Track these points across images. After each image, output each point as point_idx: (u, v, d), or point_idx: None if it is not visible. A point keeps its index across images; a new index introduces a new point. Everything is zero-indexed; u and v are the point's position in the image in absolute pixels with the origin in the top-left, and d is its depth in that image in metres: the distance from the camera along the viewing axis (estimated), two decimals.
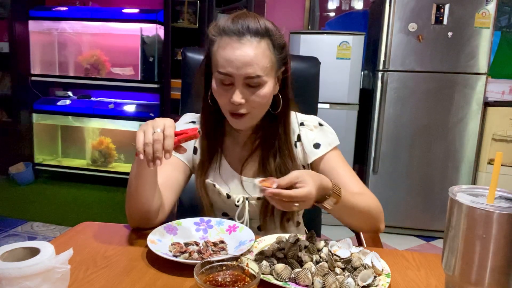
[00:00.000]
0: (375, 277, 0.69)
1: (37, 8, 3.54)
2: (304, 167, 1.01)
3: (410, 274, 0.76)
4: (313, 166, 1.00)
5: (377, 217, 0.93)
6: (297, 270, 0.69)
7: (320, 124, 1.03)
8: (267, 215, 0.99)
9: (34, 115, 3.62)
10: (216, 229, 0.91)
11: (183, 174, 1.02)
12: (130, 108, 3.49)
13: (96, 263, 0.75)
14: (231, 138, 1.03)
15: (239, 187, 1.01)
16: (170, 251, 0.80)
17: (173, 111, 3.29)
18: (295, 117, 1.03)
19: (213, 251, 0.81)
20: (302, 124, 1.03)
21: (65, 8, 3.50)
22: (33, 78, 3.56)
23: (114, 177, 3.48)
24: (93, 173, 3.55)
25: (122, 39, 3.53)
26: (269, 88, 0.90)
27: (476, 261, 0.55)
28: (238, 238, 0.86)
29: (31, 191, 3.38)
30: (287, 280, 0.68)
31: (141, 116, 3.43)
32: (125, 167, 3.59)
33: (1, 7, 3.53)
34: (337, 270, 0.70)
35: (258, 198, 0.99)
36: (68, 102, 3.58)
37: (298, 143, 1.01)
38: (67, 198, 3.24)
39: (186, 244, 0.83)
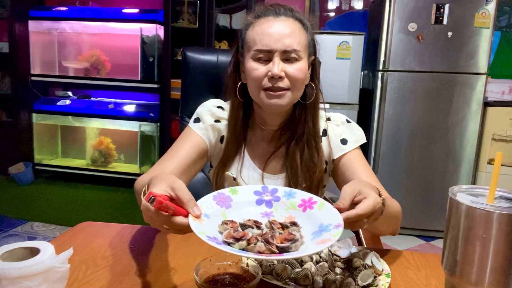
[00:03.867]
0: (375, 277, 0.69)
1: (37, 8, 3.54)
2: (326, 163, 1.00)
3: (410, 274, 0.76)
4: (336, 162, 0.98)
5: (400, 220, 0.90)
6: (297, 270, 0.69)
7: (348, 121, 1.02)
8: None
9: (34, 115, 3.62)
10: (284, 202, 0.68)
11: (202, 159, 0.99)
12: (130, 108, 3.49)
13: (96, 263, 0.75)
14: (256, 134, 1.02)
15: (260, 184, 0.98)
16: (221, 233, 0.59)
17: (173, 111, 3.29)
18: (323, 113, 1.02)
19: (279, 245, 0.56)
20: (328, 119, 1.01)
21: (65, 8, 3.50)
22: (33, 78, 3.56)
23: (114, 177, 3.48)
24: (93, 173, 3.55)
25: (122, 39, 3.53)
26: (304, 64, 0.91)
27: (476, 261, 0.55)
28: (316, 220, 0.62)
29: (31, 191, 3.38)
30: (287, 280, 0.68)
31: (141, 116, 3.43)
32: (125, 167, 3.59)
33: (1, 7, 3.53)
34: (337, 270, 0.70)
35: None
36: (68, 102, 3.58)
37: (323, 138, 0.99)
38: (67, 198, 3.24)
39: (243, 226, 0.61)
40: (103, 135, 3.65)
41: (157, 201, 0.56)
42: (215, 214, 0.62)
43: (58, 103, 3.57)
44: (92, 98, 3.77)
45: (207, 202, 0.64)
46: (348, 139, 0.98)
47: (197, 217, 0.58)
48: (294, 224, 0.62)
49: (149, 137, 3.52)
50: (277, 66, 0.87)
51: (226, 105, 1.03)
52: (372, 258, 0.73)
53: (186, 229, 0.58)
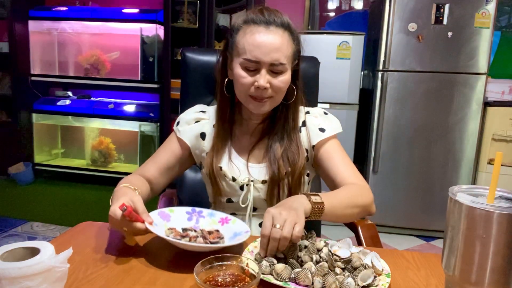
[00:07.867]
0: (375, 277, 0.69)
1: (37, 8, 3.54)
2: (307, 151, 1.05)
3: (410, 274, 0.76)
4: (316, 148, 1.05)
5: (366, 205, 0.94)
6: (297, 270, 0.69)
7: (325, 113, 1.10)
8: (273, 199, 1.01)
9: (34, 115, 3.63)
10: (208, 219, 0.92)
11: (180, 163, 1.08)
12: (130, 108, 3.49)
13: (96, 263, 0.75)
14: (240, 127, 1.08)
15: (245, 172, 1.04)
16: (168, 236, 0.79)
17: (173, 111, 3.29)
18: (302, 108, 1.09)
19: (211, 242, 0.80)
20: (308, 112, 1.09)
21: (65, 8, 3.50)
22: (33, 78, 3.56)
23: (114, 177, 3.47)
24: (93, 173, 3.55)
25: (122, 39, 3.53)
26: (288, 75, 0.97)
27: (476, 261, 0.55)
28: (232, 230, 0.87)
29: (31, 191, 3.38)
30: (287, 280, 0.68)
31: (141, 116, 3.43)
32: (125, 167, 3.59)
33: (1, 7, 3.53)
34: (337, 270, 0.70)
35: (263, 181, 1.02)
36: (68, 102, 3.58)
37: (302, 128, 1.07)
38: (67, 198, 3.24)
39: (184, 230, 0.83)
40: (103, 135, 3.66)
41: (128, 210, 0.77)
42: (160, 225, 0.85)
43: (58, 103, 3.57)
44: (92, 98, 3.77)
45: (154, 216, 0.85)
46: (326, 128, 1.05)
47: (150, 223, 0.80)
48: (217, 231, 0.85)
49: (149, 137, 3.52)
50: (263, 79, 0.93)
51: (210, 108, 1.10)
52: (372, 258, 0.73)
53: (140, 232, 0.80)
